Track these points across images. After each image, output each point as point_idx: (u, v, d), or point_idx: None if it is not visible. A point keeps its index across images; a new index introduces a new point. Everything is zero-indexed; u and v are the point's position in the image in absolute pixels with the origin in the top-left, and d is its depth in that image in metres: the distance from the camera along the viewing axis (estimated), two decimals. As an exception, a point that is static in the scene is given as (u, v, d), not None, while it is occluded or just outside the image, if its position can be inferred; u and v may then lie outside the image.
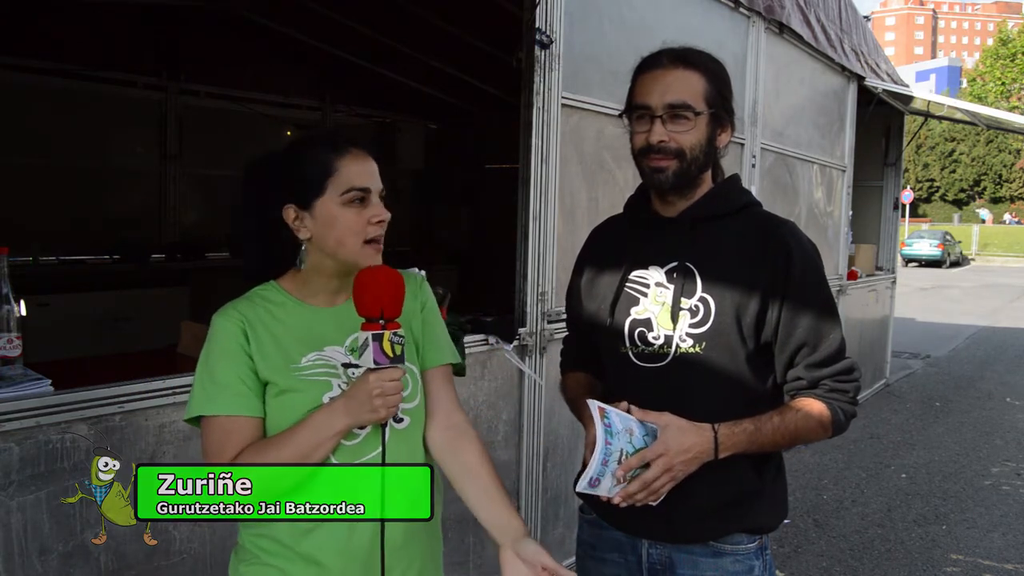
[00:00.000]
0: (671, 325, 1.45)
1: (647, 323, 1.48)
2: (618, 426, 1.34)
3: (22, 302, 1.92)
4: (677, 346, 1.45)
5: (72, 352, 3.09)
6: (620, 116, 1.51)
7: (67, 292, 4.76)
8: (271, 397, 1.30)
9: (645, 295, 1.50)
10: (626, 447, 1.34)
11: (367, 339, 1.22)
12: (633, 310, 1.50)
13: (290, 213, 1.32)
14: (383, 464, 1.26)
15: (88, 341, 4.03)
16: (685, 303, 1.45)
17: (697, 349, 1.44)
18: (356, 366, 1.29)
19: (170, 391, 2.01)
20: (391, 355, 1.23)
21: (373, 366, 1.22)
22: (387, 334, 1.23)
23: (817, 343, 1.43)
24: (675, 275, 1.47)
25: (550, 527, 3.32)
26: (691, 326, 1.44)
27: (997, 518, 4.34)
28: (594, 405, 1.34)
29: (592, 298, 1.59)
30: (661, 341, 1.46)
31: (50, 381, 1.86)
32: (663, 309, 1.47)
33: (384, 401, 1.23)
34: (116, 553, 1.93)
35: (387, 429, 1.28)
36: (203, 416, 1.29)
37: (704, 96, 1.43)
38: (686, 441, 1.36)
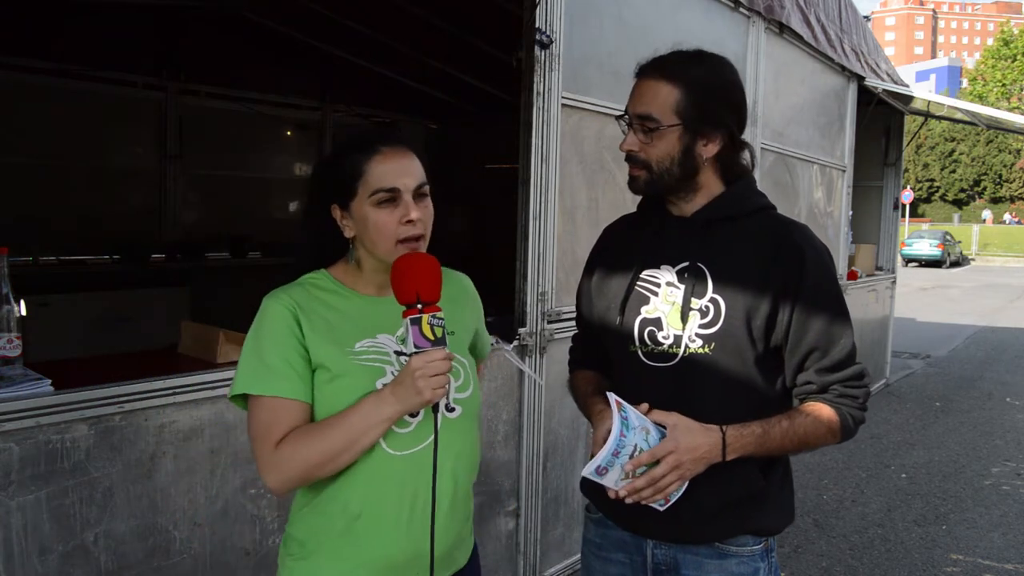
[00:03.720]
0: (680, 325, 1.45)
1: (657, 322, 1.48)
2: (635, 422, 1.35)
3: (22, 302, 1.92)
4: (686, 346, 1.45)
5: (72, 352, 3.08)
6: (618, 119, 1.52)
7: (67, 292, 4.76)
8: (324, 383, 1.30)
9: (656, 294, 1.50)
10: (641, 443, 1.35)
11: (406, 325, 1.24)
12: (643, 309, 1.50)
13: (336, 212, 1.37)
14: (435, 452, 1.27)
15: (88, 341, 4.03)
16: (695, 303, 1.45)
17: (706, 350, 1.44)
18: (406, 354, 1.30)
19: (170, 391, 2.01)
20: (431, 337, 1.24)
21: (415, 350, 1.23)
22: (425, 317, 1.24)
23: (828, 348, 1.43)
24: (686, 275, 1.47)
25: (550, 527, 3.32)
26: (700, 327, 1.44)
27: (997, 518, 4.34)
28: (613, 397, 1.36)
29: (602, 296, 1.59)
30: (671, 341, 1.47)
31: (50, 381, 1.86)
32: (673, 309, 1.47)
33: (428, 383, 1.23)
34: (116, 553, 1.94)
35: (439, 416, 1.28)
36: (250, 395, 1.30)
37: (675, 108, 1.42)
38: (695, 440, 1.37)
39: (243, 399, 1.32)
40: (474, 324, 1.57)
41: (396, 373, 1.32)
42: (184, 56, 5.74)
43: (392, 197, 1.33)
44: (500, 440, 3.05)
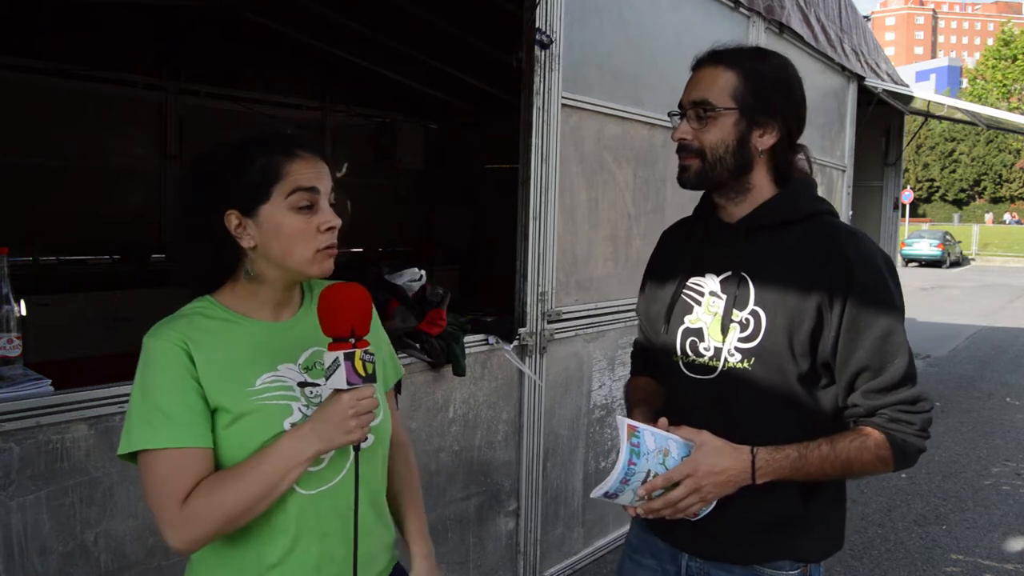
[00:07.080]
0: (721, 337, 1.41)
1: (699, 333, 1.45)
2: (650, 446, 1.30)
3: (22, 302, 1.92)
4: (725, 360, 1.41)
5: (72, 352, 3.08)
6: (669, 115, 1.48)
7: (67, 292, 4.76)
8: (223, 427, 1.18)
9: (699, 303, 1.46)
10: (656, 468, 1.30)
11: (337, 359, 1.14)
12: (687, 318, 1.47)
13: (232, 220, 1.21)
14: (356, 491, 1.21)
15: (88, 341, 4.03)
16: (736, 315, 1.39)
17: (745, 364, 1.39)
18: (314, 385, 1.24)
19: (170, 391, 2.01)
20: (363, 374, 1.15)
21: (346, 387, 1.15)
22: (358, 352, 1.15)
23: (880, 368, 1.33)
24: (729, 285, 1.42)
25: (550, 527, 3.32)
26: (740, 340, 1.39)
27: (997, 518, 4.34)
28: (623, 423, 1.31)
29: (654, 302, 1.57)
30: (711, 353, 1.43)
31: (50, 381, 1.86)
32: (715, 320, 1.42)
33: (359, 421, 1.16)
34: (116, 553, 1.94)
35: (358, 451, 1.21)
36: (145, 451, 1.15)
37: (732, 93, 1.38)
38: (720, 463, 1.32)
39: (133, 455, 1.17)
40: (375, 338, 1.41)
41: (304, 409, 1.22)
42: (184, 56, 5.73)
43: (311, 203, 1.21)
44: (500, 440, 3.05)
